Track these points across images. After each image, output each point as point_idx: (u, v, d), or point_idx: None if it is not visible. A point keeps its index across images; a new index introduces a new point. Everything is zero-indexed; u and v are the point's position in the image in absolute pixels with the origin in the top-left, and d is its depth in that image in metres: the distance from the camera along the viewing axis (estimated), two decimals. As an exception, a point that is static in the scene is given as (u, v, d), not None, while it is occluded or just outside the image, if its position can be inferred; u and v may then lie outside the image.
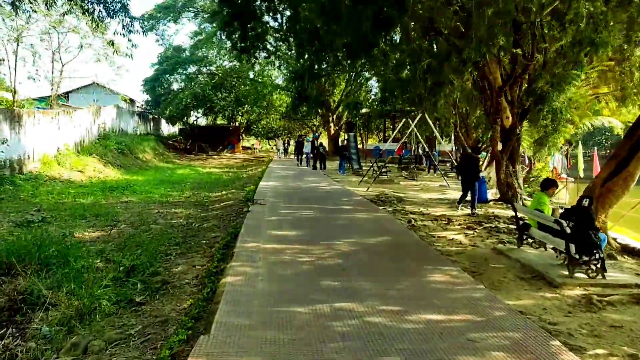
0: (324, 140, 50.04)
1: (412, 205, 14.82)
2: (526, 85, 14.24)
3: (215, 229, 11.23)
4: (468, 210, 13.44)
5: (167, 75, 47.35)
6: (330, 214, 11.47)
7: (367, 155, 37.44)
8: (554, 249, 8.04)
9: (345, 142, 30.92)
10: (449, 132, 31.96)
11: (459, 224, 11.65)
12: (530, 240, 8.96)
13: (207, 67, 49.38)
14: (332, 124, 45.49)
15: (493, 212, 13.40)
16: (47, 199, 16.17)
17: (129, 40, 14.02)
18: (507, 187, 15.00)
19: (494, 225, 11.35)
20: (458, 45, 11.68)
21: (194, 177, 29.10)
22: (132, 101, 50.64)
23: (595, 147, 31.34)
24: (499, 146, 15.07)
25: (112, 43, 15.31)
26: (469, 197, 13.68)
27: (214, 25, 32.50)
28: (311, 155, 30.80)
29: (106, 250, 9.32)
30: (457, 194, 18.50)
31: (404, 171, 26.56)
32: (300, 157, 34.06)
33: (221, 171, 34.01)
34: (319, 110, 45.29)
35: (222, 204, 15.78)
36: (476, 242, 9.77)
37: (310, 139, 31.74)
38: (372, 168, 23.17)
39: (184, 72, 47.10)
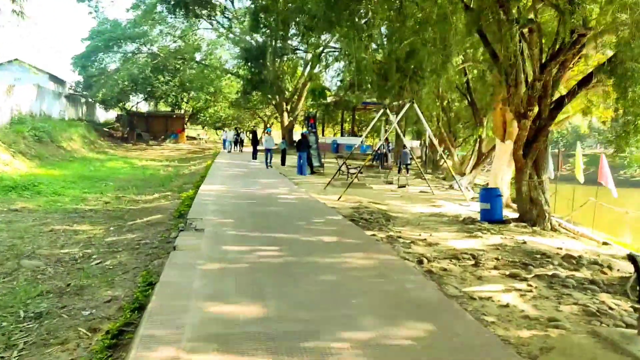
0: (276, 131, 45.67)
1: (407, 227, 10.91)
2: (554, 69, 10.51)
3: (119, 275, 6.94)
4: (495, 239, 9.65)
5: (101, 54, 41.72)
6: (306, 254, 7.13)
7: (325, 150, 33.41)
8: None
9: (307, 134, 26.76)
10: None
11: (494, 267, 7.81)
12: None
13: (148, 47, 43.99)
14: (286, 114, 41.09)
15: (524, 241, 9.64)
16: None
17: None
18: (531, 203, 11.33)
19: (550, 273, 7.53)
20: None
21: (125, 172, 24.39)
22: (60, 81, 44.74)
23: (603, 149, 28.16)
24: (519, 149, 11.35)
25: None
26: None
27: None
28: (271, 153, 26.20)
29: None
30: (452, 206, 14.81)
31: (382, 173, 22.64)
32: (255, 152, 29.74)
33: (160, 165, 29.32)
34: (273, 99, 40.83)
35: (146, 219, 11.42)
36: (549, 310, 5.93)
37: (268, 131, 26.50)
38: (340, 169, 19.12)
39: (119, 50, 41.53)
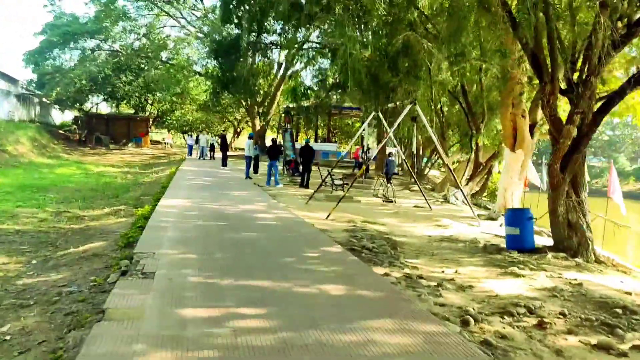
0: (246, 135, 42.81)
1: (422, 259, 8.59)
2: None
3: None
4: (541, 279, 7.36)
5: (57, 50, 38.36)
6: (308, 323, 4.22)
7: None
8: None
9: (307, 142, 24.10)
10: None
11: (569, 331, 5.53)
12: None
13: (109, 44, 40.79)
14: (258, 118, 38.46)
15: (578, 281, 7.40)
16: None
17: None
18: (570, 228, 9.14)
19: (654, 342, 5.28)
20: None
21: (77, 179, 21.55)
22: (12, 80, 41.14)
23: (612, 159, 26.33)
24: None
25: None
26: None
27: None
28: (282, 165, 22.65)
29: None
30: (460, 226, 12.57)
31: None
32: (225, 159, 27.04)
33: (118, 171, 26.43)
34: (243, 102, 38.17)
35: (83, 247, 8.81)
36: None
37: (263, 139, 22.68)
38: (324, 181, 16.68)
39: (77, 46, 38.24)
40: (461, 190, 14.69)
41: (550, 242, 10.33)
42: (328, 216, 12.12)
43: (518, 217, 9.41)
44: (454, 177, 14.54)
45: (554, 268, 8.25)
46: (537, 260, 8.62)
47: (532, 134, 13.87)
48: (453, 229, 11.95)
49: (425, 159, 32.46)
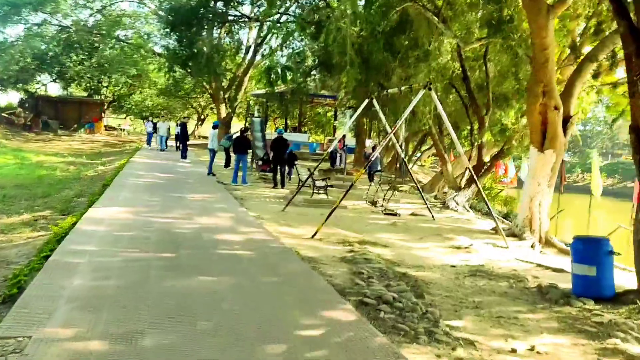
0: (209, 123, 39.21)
1: (466, 316, 5.70)
2: None
3: None
4: None
5: (-1, 24, 34.09)
6: None
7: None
8: None
9: (248, 130, 21.00)
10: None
11: None
12: None
13: (59, 19, 36.58)
14: (223, 105, 34.90)
15: None
16: None
17: None
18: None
19: None
20: None
21: (6, 172, 18.09)
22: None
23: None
24: None
25: None
26: None
27: None
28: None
29: None
30: (485, 248, 9.75)
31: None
32: (184, 150, 23.74)
33: (61, 161, 22.89)
34: (207, 86, 34.57)
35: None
36: None
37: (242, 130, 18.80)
38: (303, 183, 13.62)
39: (20, 19, 33.95)
40: (485, 201, 11.85)
41: (623, 276, 7.68)
42: (314, 234, 9.17)
43: (593, 252, 6.59)
44: (476, 180, 11.69)
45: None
46: (634, 320, 5.85)
47: (565, 130, 11.19)
48: (478, 253, 9.14)
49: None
